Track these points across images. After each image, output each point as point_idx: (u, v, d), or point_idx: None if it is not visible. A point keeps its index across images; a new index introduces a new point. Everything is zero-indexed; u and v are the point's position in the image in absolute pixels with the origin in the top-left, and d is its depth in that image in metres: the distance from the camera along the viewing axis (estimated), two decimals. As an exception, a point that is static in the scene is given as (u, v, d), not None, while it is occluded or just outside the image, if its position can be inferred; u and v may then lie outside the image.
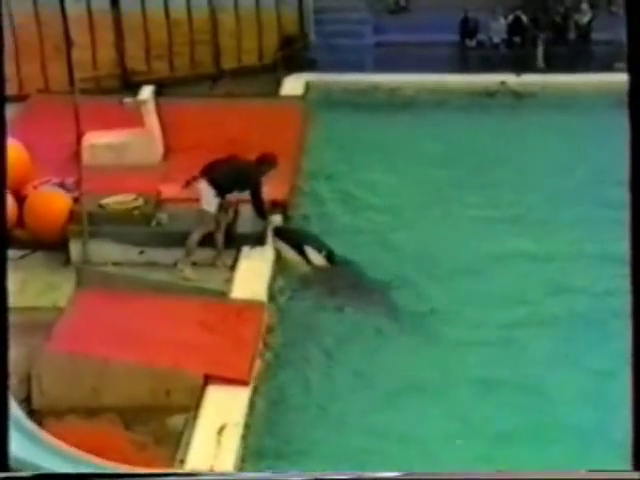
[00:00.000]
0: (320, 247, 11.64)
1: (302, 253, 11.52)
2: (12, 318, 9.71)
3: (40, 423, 8.42)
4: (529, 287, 11.33)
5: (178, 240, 11.41)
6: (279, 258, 11.55)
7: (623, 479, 4.57)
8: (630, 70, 4.62)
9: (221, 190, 11.05)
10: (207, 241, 11.18)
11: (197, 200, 11.28)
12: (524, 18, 19.82)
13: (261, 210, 11.35)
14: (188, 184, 11.07)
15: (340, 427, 8.95)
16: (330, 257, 11.60)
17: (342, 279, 11.44)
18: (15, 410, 8.31)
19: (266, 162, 11.34)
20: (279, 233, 11.73)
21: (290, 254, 11.56)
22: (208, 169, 11.11)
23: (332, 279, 11.44)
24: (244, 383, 8.98)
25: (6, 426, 4.60)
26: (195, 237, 11.07)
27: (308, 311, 10.93)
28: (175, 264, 11.11)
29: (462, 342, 10.16)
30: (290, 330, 10.53)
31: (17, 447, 7.79)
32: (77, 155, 11.39)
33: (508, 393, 9.35)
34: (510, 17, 19.81)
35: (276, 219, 12.07)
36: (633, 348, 4.60)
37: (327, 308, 10.95)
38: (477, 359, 9.92)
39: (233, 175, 11.11)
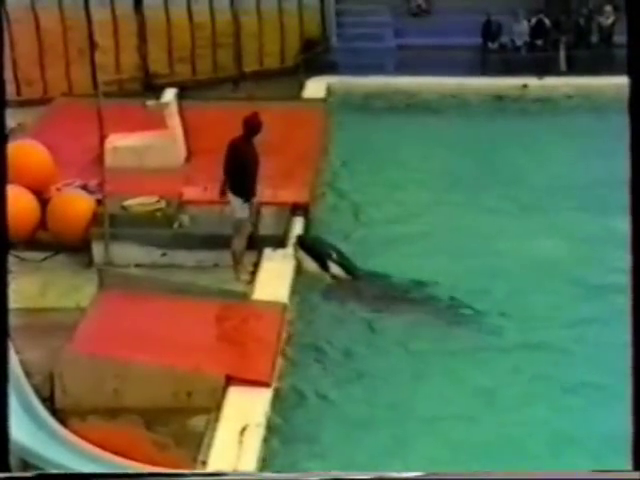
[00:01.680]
0: (341, 259, 11.52)
1: (323, 265, 11.46)
2: (35, 319, 9.89)
3: (63, 422, 8.47)
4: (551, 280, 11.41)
5: (200, 242, 11.47)
6: (300, 268, 11.53)
7: (623, 479, 4.56)
8: (630, 72, 4.60)
9: (247, 195, 11.09)
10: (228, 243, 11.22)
11: (220, 203, 11.33)
12: (547, 21, 19.78)
13: (245, 187, 11.06)
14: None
15: (361, 428, 8.96)
16: (350, 270, 11.49)
17: (363, 284, 11.41)
18: (39, 409, 8.41)
19: (252, 127, 11.13)
20: (302, 243, 11.63)
21: (311, 266, 11.50)
22: (230, 182, 11.13)
23: (354, 284, 11.42)
24: (266, 384, 9.00)
25: (6, 426, 4.62)
26: (239, 245, 11.11)
27: (330, 312, 10.94)
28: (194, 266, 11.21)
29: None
30: (312, 331, 10.54)
31: (41, 445, 7.89)
32: (100, 157, 11.46)
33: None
34: (533, 20, 19.78)
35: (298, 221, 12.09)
36: (633, 348, 4.59)
37: (349, 310, 10.95)
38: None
39: (244, 174, 11.06)
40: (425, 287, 11.24)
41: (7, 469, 4.86)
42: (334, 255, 11.50)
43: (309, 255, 11.48)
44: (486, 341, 10.28)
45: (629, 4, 5.07)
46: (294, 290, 10.93)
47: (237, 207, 11.08)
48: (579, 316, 10.65)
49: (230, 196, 11.14)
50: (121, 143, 13.22)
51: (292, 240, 11.72)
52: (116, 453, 7.98)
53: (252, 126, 11.04)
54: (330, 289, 11.32)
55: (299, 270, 11.41)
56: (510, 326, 10.52)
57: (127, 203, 11.74)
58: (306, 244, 11.62)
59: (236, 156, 11.10)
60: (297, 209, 12.50)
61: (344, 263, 11.48)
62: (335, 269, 11.41)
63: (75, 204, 11.92)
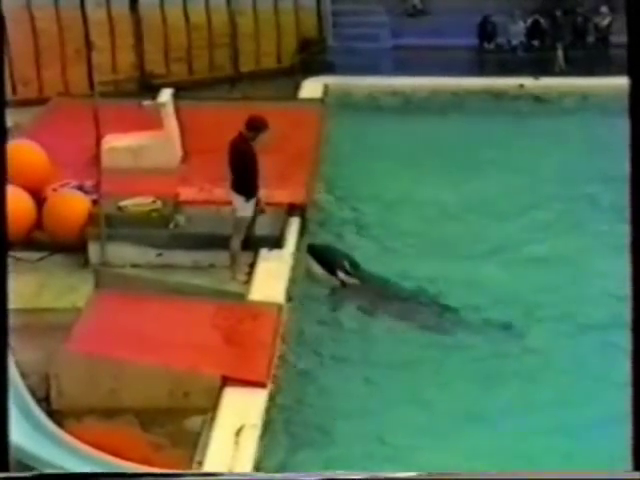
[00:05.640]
0: (351, 265, 11.47)
1: (333, 273, 11.44)
2: (31, 319, 9.87)
3: (59, 423, 8.46)
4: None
5: (196, 242, 11.46)
6: (309, 274, 11.54)
7: (623, 479, 4.55)
8: (630, 72, 4.58)
9: (250, 193, 11.09)
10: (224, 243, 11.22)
11: (216, 203, 11.30)
12: (543, 21, 19.80)
13: (246, 185, 11.08)
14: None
15: (358, 428, 8.96)
16: (360, 276, 11.43)
17: (368, 286, 11.39)
18: (35, 410, 8.40)
19: (254, 126, 11.11)
20: (312, 251, 11.64)
21: (320, 272, 11.49)
22: (233, 181, 11.13)
23: (357, 285, 11.41)
24: (262, 385, 8.99)
25: (6, 426, 4.60)
26: (236, 243, 11.12)
27: (327, 313, 10.93)
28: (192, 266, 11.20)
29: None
30: (308, 332, 10.54)
31: (37, 446, 7.88)
32: (96, 158, 11.45)
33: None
34: (529, 20, 19.81)
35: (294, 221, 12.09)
36: (633, 347, 4.59)
37: (347, 310, 10.95)
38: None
39: (247, 172, 11.07)
40: (432, 294, 11.18)
41: (7, 469, 4.84)
42: (346, 264, 11.49)
43: (318, 262, 11.49)
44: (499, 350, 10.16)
45: (629, 4, 5.06)
46: (290, 290, 10.93)
47: (240, 205, 11.08)
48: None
49: (232, 194, 11.14)
50: (117, 143, 13.20)
51: (289, 241, 11.70)
52: (112, 454, 7.97)
53: (254, 125, 11.05)
54: (335, 293, 11.31)
55: (308, 274, 11.42)
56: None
57: (123, 203, 11.74)
58: (316, 252, 11.63)
59: (236, 154, 11.10)
60: (293, 209, 12.49)
61: (354, 270, 11.45)
62: (344, 277, 11.41)
63: (71, 204, 11.90)
